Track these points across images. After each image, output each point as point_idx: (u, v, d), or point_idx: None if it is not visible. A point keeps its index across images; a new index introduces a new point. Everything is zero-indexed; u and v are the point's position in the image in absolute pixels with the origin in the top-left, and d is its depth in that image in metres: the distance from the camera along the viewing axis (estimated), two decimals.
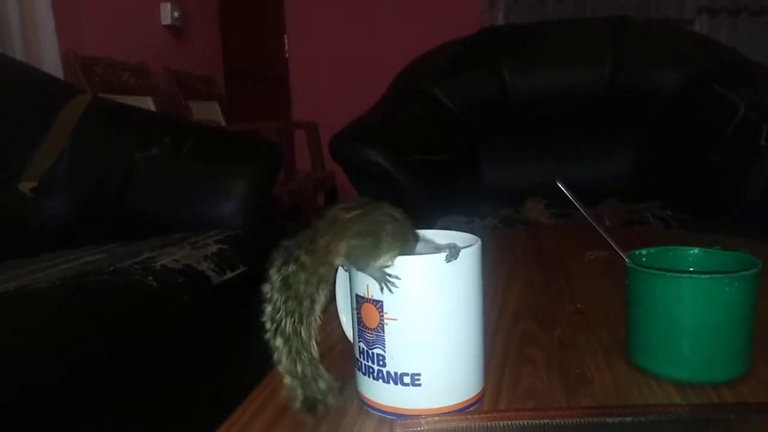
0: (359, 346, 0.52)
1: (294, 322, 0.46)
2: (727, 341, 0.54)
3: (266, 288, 0.46)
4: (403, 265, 0.49)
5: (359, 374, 0.52)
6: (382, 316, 0.49)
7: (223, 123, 3.15)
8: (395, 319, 0.49)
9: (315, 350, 0.48)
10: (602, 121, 2.10)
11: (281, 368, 0.47)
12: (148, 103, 2.60)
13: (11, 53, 1.97)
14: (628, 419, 0.47)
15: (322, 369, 0.49)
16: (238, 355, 1.18)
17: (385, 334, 0.49)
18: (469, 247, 0.50)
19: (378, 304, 0.49)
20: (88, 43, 2.45)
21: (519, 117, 2.16)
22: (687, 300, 0.54)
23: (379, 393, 0.51)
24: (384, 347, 0.50)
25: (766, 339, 0.58)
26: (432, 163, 1.89)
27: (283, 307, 0.46)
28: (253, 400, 0.55)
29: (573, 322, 0.72)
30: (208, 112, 3.11)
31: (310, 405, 0.48)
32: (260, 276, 0.48)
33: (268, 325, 0.46)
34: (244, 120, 3.27)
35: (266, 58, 4.15)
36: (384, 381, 0.50)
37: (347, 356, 0.55)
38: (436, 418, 0.48)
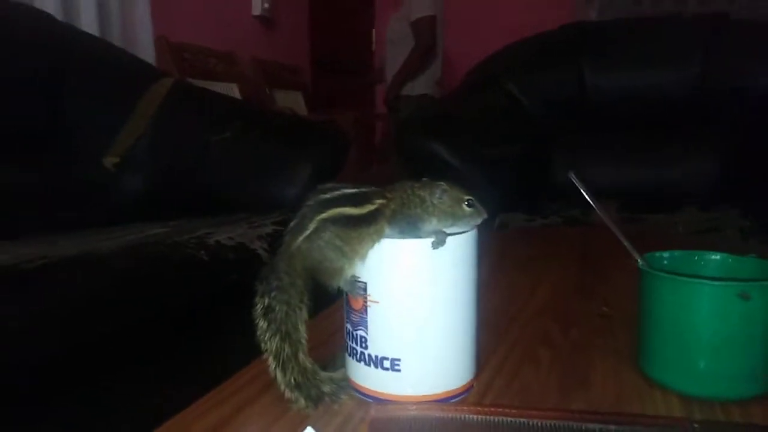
0: (347, 327, 0.52)
1: (279, 340, 0.49)
2: (741, 357, 0.50)
3: (254, 314, 0.50)
4: (388, 248, 0.48)
5: (346, 356, 0.53)
6: (366, 298, 0.49)
7: (305, 112, 3.22)
8: (378, 302, 0.49)
9: (304, 361, 0.50)
10: (686, 123, 1.97)
11: (280, 383, 0.50)
12: (234, 90, 2.70)
13: (110, 36, 2.11)
14: (612, 427, 0.45)
15: (319, 374, 0.50)
16: None
17: (368, 317, 0.49)
18: (458, 235, 0.49)
19: (363, 286, 0.49)
20: (180, 29, 2.57)
21: (597, 116, 2.07)
22: (698, 308, 0.50)
23: (361, 375, 0.51)
24: (366, 329, 0.50)
25: None
26: (499, 158, 1.85)
27: (268, 330, 0.50)
28: (240, 376, 0.56)
29: (594, 324, 0.69)
30: (292, 101, 3.19)
31: (315, 402, 0.49)
32: None
33: (262, 347, 0.50)
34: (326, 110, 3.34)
35: (353, 51, 4.20)
36: (365, 364, 0.50)
37: None
38: (413, 406, 0.48)
